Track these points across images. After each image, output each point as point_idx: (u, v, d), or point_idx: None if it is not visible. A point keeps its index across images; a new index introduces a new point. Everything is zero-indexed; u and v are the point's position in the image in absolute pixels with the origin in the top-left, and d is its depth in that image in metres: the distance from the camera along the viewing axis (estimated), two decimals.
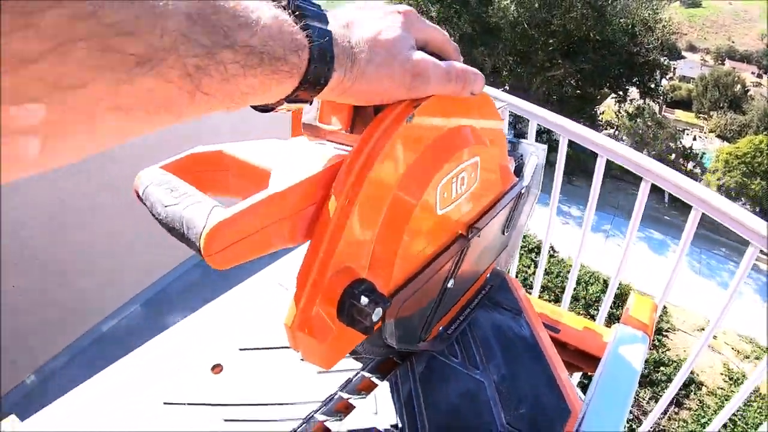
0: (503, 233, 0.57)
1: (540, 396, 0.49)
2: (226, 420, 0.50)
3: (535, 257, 7.69)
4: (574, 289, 7.57)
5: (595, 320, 1.35)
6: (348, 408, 0.50)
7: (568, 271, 8.00)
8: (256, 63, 0.29)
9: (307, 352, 0.35)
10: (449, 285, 0.47)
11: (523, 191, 0.57)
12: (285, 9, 0.33)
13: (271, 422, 0.49)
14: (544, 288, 7.27)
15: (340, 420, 0.48)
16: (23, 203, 2.09)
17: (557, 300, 7.17)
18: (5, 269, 2.07)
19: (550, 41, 15.97)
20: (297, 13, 0.33)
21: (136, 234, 2.57)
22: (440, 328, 0.53)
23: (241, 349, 0.61)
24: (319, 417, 0.49)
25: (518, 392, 0.49)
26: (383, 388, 0.50)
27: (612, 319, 6.38)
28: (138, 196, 0.39)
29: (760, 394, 7.10)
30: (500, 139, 0.51)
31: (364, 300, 0.32)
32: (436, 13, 16.51)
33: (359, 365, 0.54)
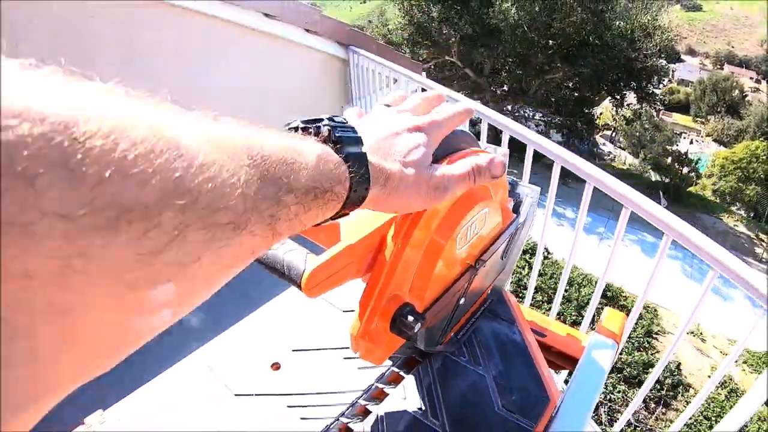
0: (502, 259, 0.73)
1: (527, 387, 0.64)
2: (288, 406, 0.65)
3: (530, 258, 7.83)
4: (567, 291, 7.74)
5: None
6: (383, 395, 0.65)
7: (561, 273, 8.16)
8: (310, 199, 0.34)
9: (365, 353, 0.50)
10: (461, 302, 0.63)
11: (519, 227, 0.72)
12: (326, 141, 0.39)
13: (325, 407, 0.64)
14: (537, 289, 7.40)
15: (377, 405, 0.63)
16: None
17: (550, 300, 7.30)
18: None
19: (550, 44, 15.96)
20: (337, 144, 0.39)
21: None
22: (452, 334, 0.68)
23: (293, 350, 0.76)
24: (362, 402, 0.64)
25: (510, 384, 0.65)
26: (409, 380, 0.66)
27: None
28: None
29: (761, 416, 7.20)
30: (504, 184, 0.66)
31: (410, 318, 0.47)
32: (437, 14, 16.50)
33: (389, 362, 0.69)
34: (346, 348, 0.73)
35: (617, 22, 16.11)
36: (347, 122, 0.42)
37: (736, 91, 52.63)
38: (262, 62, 3.13)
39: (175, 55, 2.57)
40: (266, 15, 2.89)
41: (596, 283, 6.46)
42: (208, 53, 2.73)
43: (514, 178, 0.77)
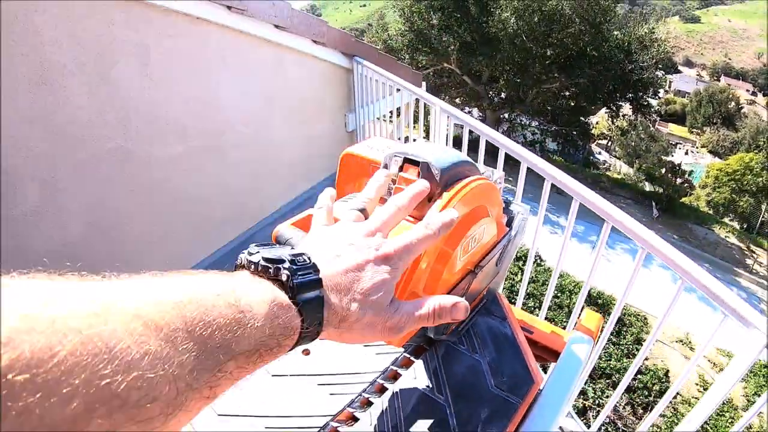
0: (496, 266, 0.86)
1: (516, 371, 0.78)
2: (318, 384, 0.78)
3: (523, 265, 7.99)
4: (558, 298, 7.90)
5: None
6: (397, 375, 0.78)
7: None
8: (254, 359, 0.35)
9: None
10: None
11: (511, 239, 0.86)
12: (284, 285, 0.40)
13: (349, 385, 0.77)
14: (530, 295, 7.53)
15: (392, 383, 0.77)
16: (66, 207, 2.31)
17: (541, 306, 7.46)
18: (44, 264, 2.32)
19: (548, 54, 16.10)
20: (294, 291, 0.40)
21: (161, 232, 2.82)
22: (454, 327, 0.82)
23: (321, 339, 0.90)
24: (380, 381, 0.77)
25: (502, 368, 0.78)
26: (418, 364, 0.79)
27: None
28: (278, 241, 0.67)
29: (733, 405, 7.43)
30: (499, 203, 0.80)
31: None
32: (437, 21, 16.64)
33: (402, 349, 0.82)
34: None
35: (615, 33, 16.24)
36: (309, 260, 0.43)
37: (732, 103, 52.96)
38: (272, 70, 3.25)
39: (190, 63, 2.68)
40: (276, 26, 3.04)
41: (588, 291, 6.58)
42: (221, 61, 2.85)
43: (508, 197, 0.91)
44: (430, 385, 0.75)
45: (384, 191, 0.64)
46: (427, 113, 3.19)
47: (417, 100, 3.29)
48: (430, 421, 0.70)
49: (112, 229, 2.56)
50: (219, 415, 0.73)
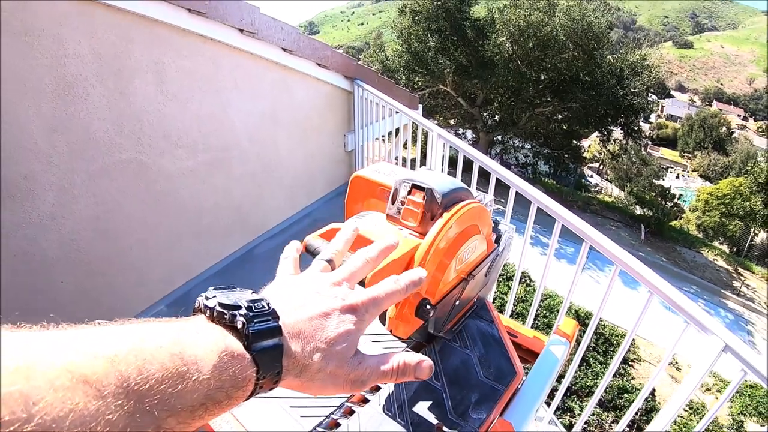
0: (485, 276, 1.01)
1: (501, 365, 0.93)
2: None
3: (508, 281, 8.23)
4: (546, 318, 8.06)
5: None
6: None
7: (542, 300, 8.49)
8: (200, 413, 0.34)
9: (397, 330, 0.78)
10: (457, 303, 0.91)
11: (499, 254, 1.01)
12: (240, 332, 0.39)
13: None
14: (518, 315, 7.72)
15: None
16: (80, 213, 2.42)
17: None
18: (57, 267, 2.41)
19: (542, 79, 16.38)
20: (249, 338, 0.39)
21: (167, 241, 2.94)
22: (450, 327, 0.97)
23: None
24: None
25: (489, 362, 0.93)
26: None
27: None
28: (308, 250, 0.81)
29: (718, 423, 7.54)
30: (489, 222, 0.95)
31: (428, 307, 0.75)
32: (434, 43, 16.94)
33: (404, 345, 0.97)
34: (375, 333, 1.00)
35: (608, 59, 16.47)
36: (268, 306, 0.42)
37: (724, 128, 53.60)
38: (278, 90, 3.41)
39: (203, 81, 2.81)
40: (284, 49, 3.20)
41: (575, 310, 6.76)
42: (231, 80, 3.00)
43: (497, 218, 1.06)
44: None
45: (351, 244, 0.65)
46: (424, 135, 3.35)
47: (414, 123, 3.45)
48: (429, 403, 0.85)
49: (122, 237, 2.68)
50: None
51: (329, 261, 0.58)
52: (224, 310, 0.40)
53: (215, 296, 0.42)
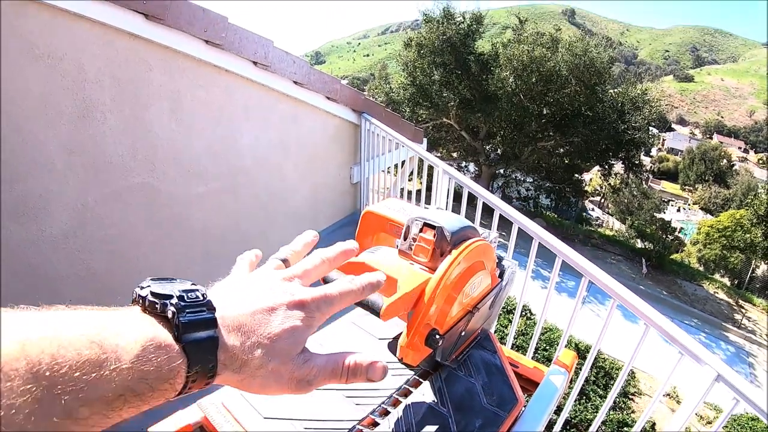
0: (489, 309, 1.07)
1: (503, 392, 0.98)
2: (346, 396, 0.97)
3: (509, 315, 8.26)
4: (547, 351, 8.04)
5: None
6: (408, 392, 0.97)
7: (543, 334, 8.49)
8: (119, 405, 0.32)
9: (407, 357, 0.84)
10: (462, 334, 0.96)
11: (502, 288, 1.07)
12: (169, 321, 0.37)
13: (370, 398, 0.96)
14: (518, 347, 7.72)
15: (405, 398, 0.96)
16: (93, 235, 2.46)
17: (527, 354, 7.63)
18: (66, 285, 2.42)
19: (544, 113, 16.54)
20: (180, 328, 0.36)
21: (175, 265, 2.98)
22: (455, 356, 1.02)
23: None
24: (395, 396, 0.96)
25: (492, 390, 0.98)
26: (425, 384, 0.99)
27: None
28: (326, 281, 0.87)
29: None
30: (493, 258, 1.01)
31: (437, 337, 0.81)
32: (438, 77, 17.18)
33: (412, 372, 1.02)
34: (387, 362, 1.05)
35: (610, 93, 16.65)
36: (203, 297, 0.40)
37: (724, 161, 53.77)
38: (287, 121, 3.51)
39: (216, 110, 2.90)
40: (295, 82, 3.31)
41: (575, 344, 6.75)
42: (243, 110, 3.10)
43: (501, 253, 1.13)
44: (435, 400, 0.94)
45: (310, 248, 0.63)
46: (429, 168, 3.43)
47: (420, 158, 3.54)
48: (436, 427, 0.90)
49: (131, 259, 2.72)
50: (264, 418, 0.91)
51: (284, 260, 0.57)
52: (155, 300, 0.38)
53: (149, 285, 0.40)
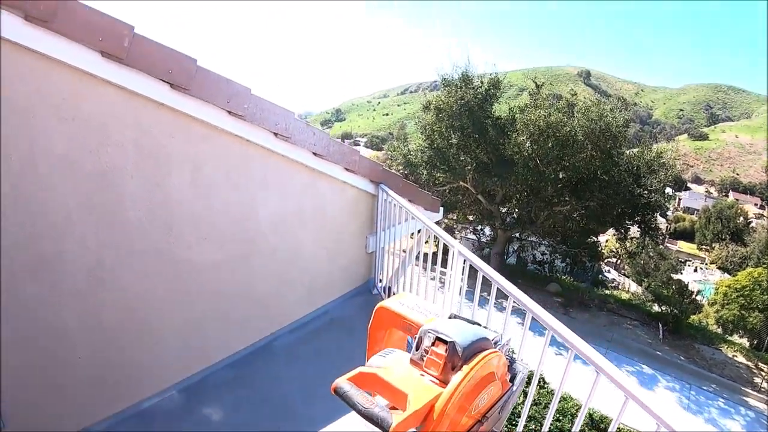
0: (499, 414, 1.05)
1: None
2: None
3: (525, 387, 7.98)
4: (560, 421, 7.75)
5: None
6: None
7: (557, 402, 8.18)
8: None
9: None
10: None
11: (512, 392, 1.06)
12: None
13: None
14: (530, 418, 7.44)
15: None
16: (107, 295, 2.50)
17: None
18: (77, 341, 2.45)
19: (560, 177, 16.67)
20: None
21: (186, 327, 2.99)
22: None
23: None
24: None
25: None
26: None
27: None
28: (337, 392, 0.87)
29: None
30: (505, 363, 1.01)
31: None
32: (456, 140, 17.38)
33: None
34: None
35: (624, 156, 16.76)
36: None
37: (741, 218, 52.99)
38: (305, 191, 3.58)
39: (235, 178, 2.99)
40: (315, 153, 3.39)
41: (590, 414, 6.55)
42: (262, 179, 3.18)
43: (513, 356, 1.12)
44: None
45: None
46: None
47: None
48: None
49: (143, 319, 2.74)
50: None
51: None
52: None
53: None
